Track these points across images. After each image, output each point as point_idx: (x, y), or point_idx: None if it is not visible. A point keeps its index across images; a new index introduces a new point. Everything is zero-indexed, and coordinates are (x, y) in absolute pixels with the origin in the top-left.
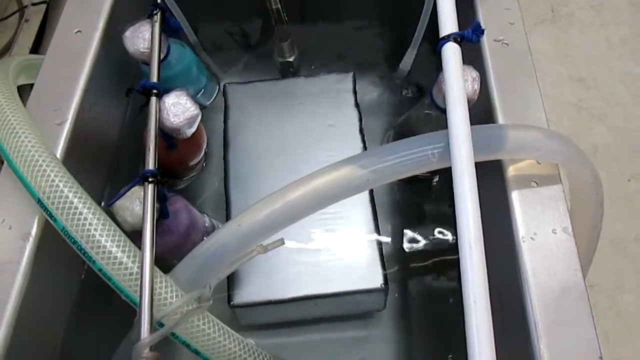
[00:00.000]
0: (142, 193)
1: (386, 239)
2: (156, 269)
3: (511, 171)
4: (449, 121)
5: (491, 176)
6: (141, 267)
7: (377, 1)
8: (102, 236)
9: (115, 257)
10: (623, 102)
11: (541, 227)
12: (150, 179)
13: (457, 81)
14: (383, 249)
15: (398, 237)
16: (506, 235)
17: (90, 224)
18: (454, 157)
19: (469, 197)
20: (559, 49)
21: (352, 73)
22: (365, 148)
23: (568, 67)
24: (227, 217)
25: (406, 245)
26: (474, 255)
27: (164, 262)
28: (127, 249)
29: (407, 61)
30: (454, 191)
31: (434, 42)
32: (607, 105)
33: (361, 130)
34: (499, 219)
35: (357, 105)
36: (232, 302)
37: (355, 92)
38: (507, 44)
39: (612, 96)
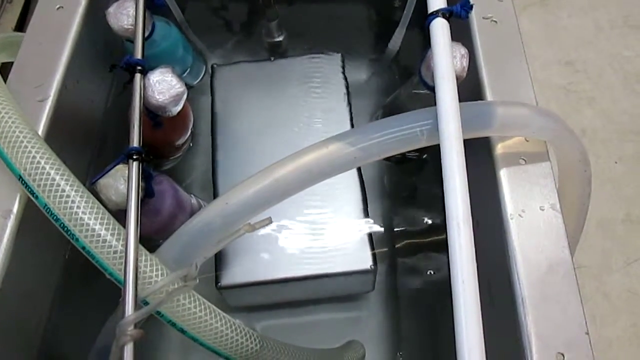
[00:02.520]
0: (127, 171)
1: (376, 224)
2: (141, 247)
3: (499, 149)
4: (437, 98)
5: (479, 154)
6: (125, 245)
7: None
8: (85, 214)
9: (99, 235)
10: (612, 85)
11: (529, 204)
12: (134, 157)
13: (445, 57)
14: (372, 230)
15: (387, 218)
16: (494, 213)
17: (72, 202)
18: (442, 134)
19: (457, 175)
20: (548, 31)
21: (341, 54)
22: (352, 127)
23: (557, 50)
24: (214, 197)
25: (395, 226)
26: (462, 234)
27: (151, 242)
28: (110, 227)
29: (396, 41)
30: (442, 168)
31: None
32: (596, 89)
33: (350, 112)
34: (487, 196)
35: (346, 86)
36: (219, 284)
37: (344, 73)
38: (496, 22)
39: (600, 79)
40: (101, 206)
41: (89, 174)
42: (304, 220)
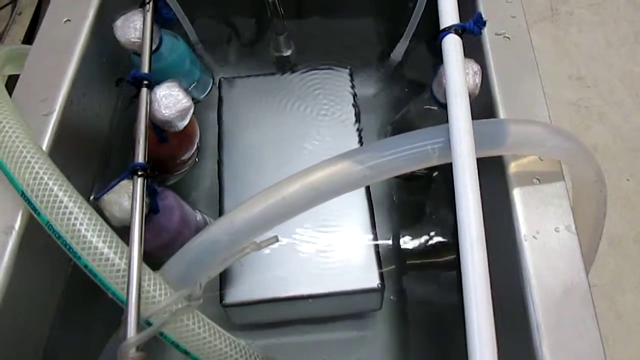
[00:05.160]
0: (131, 187)
1: (384, 241)
2: (145, 266)
3: (513, 167)
4: (450, 115)
5: (492, 172)
6: (129, 264)
7: None
8: (88, 231)
9: (102, 253)
10: (622, 101)
11: (544, 225)
12: (139, 173)
13: (458, 74)
14: (380, 248)
15: (395, 236)
16: (507, 234)
17: (75, 218)
18: (455, 153)
19: (470, 195)
20: (557, 47)
21: (349, 68)
22: (361, 143)
23: (567, 66)
24: (220, 215)
25: (403, 244)
26: (476, 256)
27: (155, 259)
28: (114, 244)
29: (399, 51)
30: (455, 188)
31: (430, 37)
32: (606, 105)
33: (359, 127)
34: (500, 216)
35: (355, 101)
36: (224, 301)
37: (353, 88)
38: (509, 38)
39: (611, 95)
40: (104, 223)
41: (94, 189)
42: (310, 238)
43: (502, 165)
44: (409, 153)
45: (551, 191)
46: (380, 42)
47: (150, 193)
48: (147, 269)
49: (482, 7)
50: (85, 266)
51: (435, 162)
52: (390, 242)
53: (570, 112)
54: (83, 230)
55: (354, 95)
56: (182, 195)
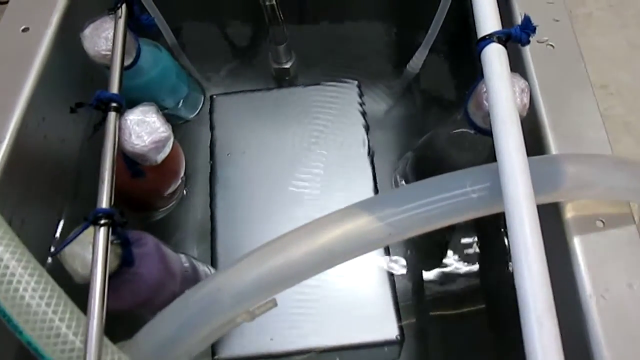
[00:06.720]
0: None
1: (402, 288)
2: (107, 342)
3: (570, 209)
4: (499, 149)
5: (544, 215)
6: (85, 341)
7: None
8: (35, 298)
9: (51, 327)
10: None
11: (614, 280)
12: (101, 222)
13: (505, 95)
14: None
15: (416, 278)
16: (569, 293)
17: (18, 282)
18: (509, 201)
19: (533, 255)
20: None
21: (357, 82)
22: (373, 169)
23: (590, 73)
24: (212, 253)
25: (426, 288)
26: (545, 335)
27: (134, 316)
28: (67, 315)
29: (417, 62)
30: (511, 245)
31: (449, 44)
32: (631, 113)
33: (369, 148)
34: (559, 271)
35: (364, 118)
36: (216, 356)
37: (362, 104)
38: (553, 46)
39: (636, 102)
40: (56, 288)
41: (58, 232)
42: (318, 282)
43: (557, 206)
44: (445, 204)
45: (620, 237)
46: (393, 51)
47: (123, 243)
48: (110, 347)
49: (518, 9)
50: (29, 343)
51: (479, 214)
52: (408, 287)
53: None
54: (28, 297)
55: (364, 114)
56: (168, 232)
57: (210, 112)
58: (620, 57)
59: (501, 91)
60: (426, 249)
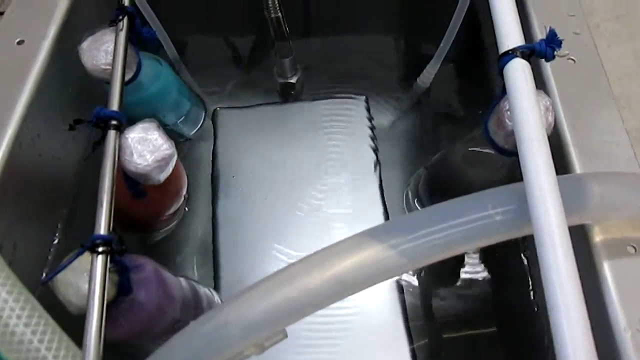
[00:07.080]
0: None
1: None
2: None
3: (597, 233)
4: (526, 170)
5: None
6: None
7: (393, 11)
8: (26, 334)
9: None
10: None
11: None
12: (99, 249)
13: (532, 112)
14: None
15: (427, 300)
16: (601, 325)
17: (9, 316)
18: (538, 225)
19: (569, 288)
20: None
21: (365, 97)
22: (381, 187)
23: None
24: (215, 274)
25: (437, 309)
26: None
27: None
28: (62, 352)
29: (427, 76)
30: (543, 279)
31: (459, 57)
32: None
33: (377, 165)
34: (588, 300)
35: (372, 134)
36: None
37: (370, 120)
38: (574, 61)
39: None
40: (50, 322)
41: (52, 256)
42: (327, 312)
43: (583, 229)
44: (466, 228)
45: None
46: (402, 64)
47: (121, 270)
48: None
49: (536, 22)
50: None
51: (503, 237)
52: (420, 309)
53: None
54: (19, 333)
55: (372, 129)
56: (169, 254)
57: (214, 125)
58: (629, 69)
59: (527, 109)
60: (439, 270)
